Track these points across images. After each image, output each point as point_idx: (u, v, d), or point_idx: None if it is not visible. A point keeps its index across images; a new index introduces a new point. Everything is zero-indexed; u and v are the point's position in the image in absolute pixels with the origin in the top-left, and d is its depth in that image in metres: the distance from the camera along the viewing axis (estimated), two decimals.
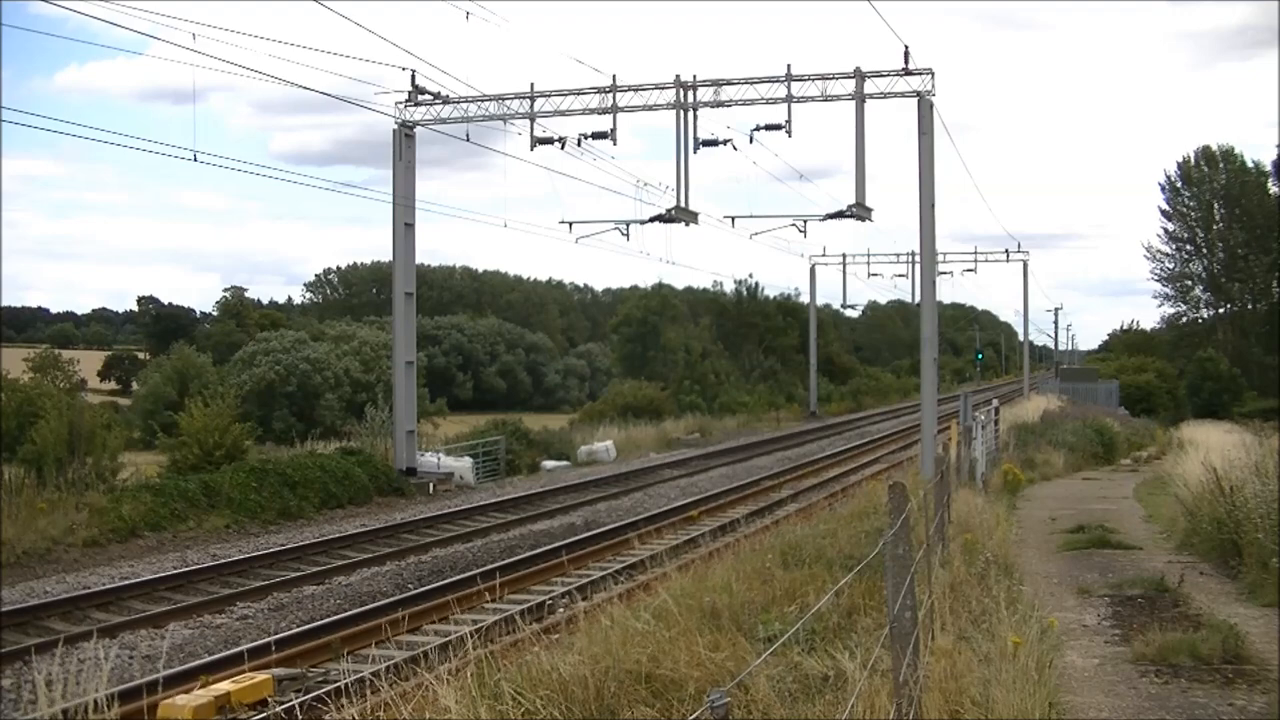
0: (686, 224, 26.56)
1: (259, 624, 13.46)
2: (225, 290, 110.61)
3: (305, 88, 67.33)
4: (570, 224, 28.80)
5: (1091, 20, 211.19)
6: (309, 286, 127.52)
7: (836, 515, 15.39)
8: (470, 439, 33.14)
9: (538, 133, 25.99)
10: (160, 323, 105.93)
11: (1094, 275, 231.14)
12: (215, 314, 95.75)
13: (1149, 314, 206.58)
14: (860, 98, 24.81)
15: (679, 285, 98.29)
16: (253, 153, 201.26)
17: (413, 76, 26.39)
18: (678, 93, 25.49)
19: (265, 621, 13.60)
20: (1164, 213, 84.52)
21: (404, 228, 27.48)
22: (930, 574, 8.77)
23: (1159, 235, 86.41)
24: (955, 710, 6.53)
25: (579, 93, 25.89)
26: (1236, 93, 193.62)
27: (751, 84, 25.37)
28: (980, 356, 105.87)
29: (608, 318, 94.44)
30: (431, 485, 26.44)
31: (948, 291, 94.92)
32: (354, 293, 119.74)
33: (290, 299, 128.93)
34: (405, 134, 27.13)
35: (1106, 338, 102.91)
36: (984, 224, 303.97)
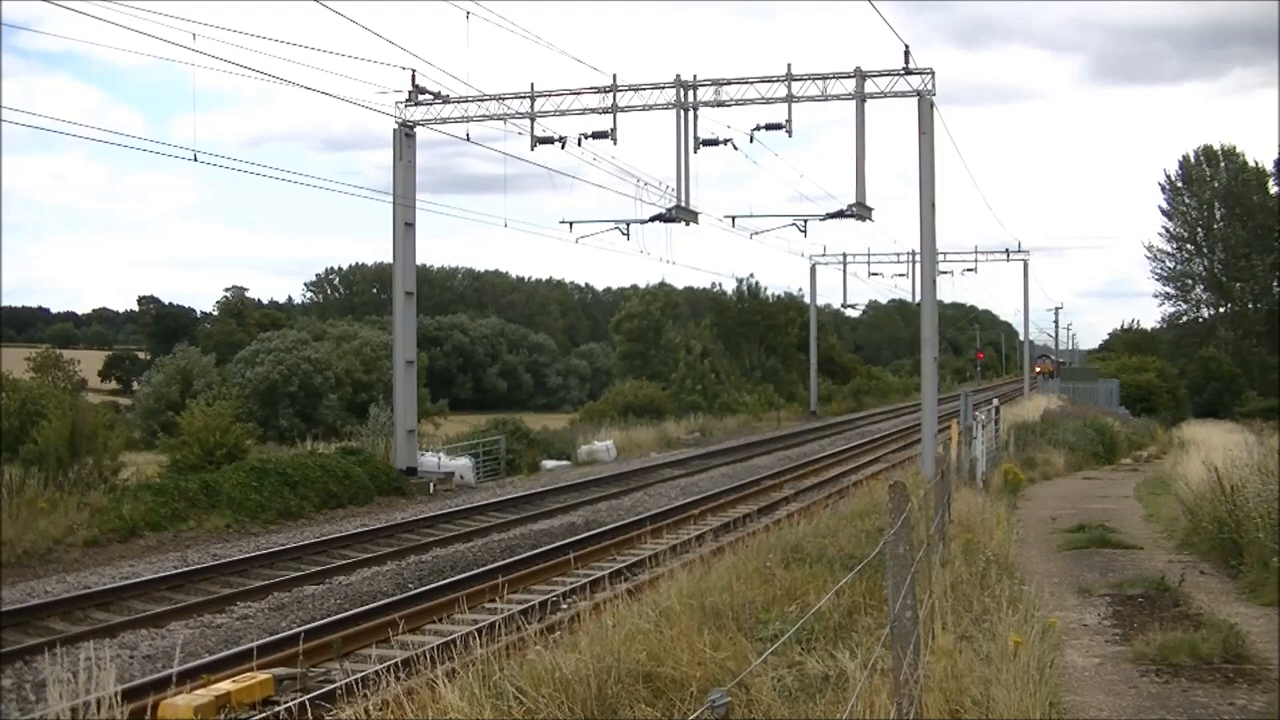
0: (687, 223, 26.56)
1: (259, 623, 13.47)
2: (225, 290, 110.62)
3: (305, 87, 67.21)
4: (570, 224, 28.88)
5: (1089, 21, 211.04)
6: (310, 286, 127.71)
7: (837, 514, 15.37)
8: (471, 439, 33.15)
9: (538, 132, 26.00)
10: (160, 322, 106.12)
11: (1095, 275, 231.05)
12: (215, 313, 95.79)
13: (1150, 313, 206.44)
14: (860, 97, 24.80)
15: (679, 285, 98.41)
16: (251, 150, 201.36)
17: (413, 76, 26.42)
18: (678, 92, 25.48)
19: (266, 621, 13.60)
20: (1164, 212, 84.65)
21: (404, 227, 27.49)
22: (931, 573, 8.77)
23: (1160, 234, 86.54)
24: (956, 710, 6.53)
25: (579, 92, 25.89)
26: (1238, 93, 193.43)
27: (751, 84, 25.36)
28: (980, 366, 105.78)
29: (608, 317, 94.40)
30: (432, 485, 26.44)
31: (948, 291, 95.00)
32: (355, 292, 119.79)
33: (290, 298, 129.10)
34: (405, 134, 27.14)
35: (1107, 337, 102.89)
36: (985, 225, 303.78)
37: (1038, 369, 75.46)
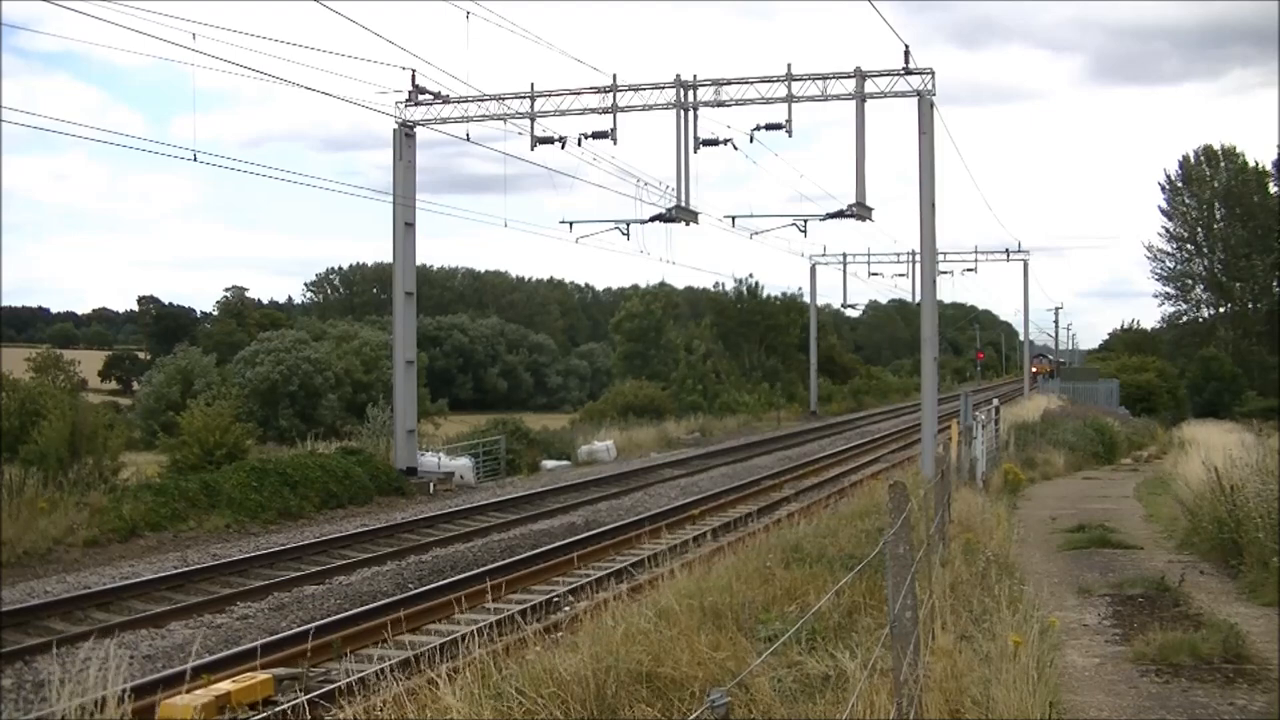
0: (687, 223, 26.55)
1: (260, 623, 13.47)
2: (226, 290, 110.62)
3: (305, 87, 67.30)
4: (570, 224, 28.89)
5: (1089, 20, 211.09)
6: (310, 286, 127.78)
7: (837, 514, 15.38)
8: (471, 439, 33.15)
9: (538, 132, 26.00)
10: (160, 322, 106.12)
11: (1095, 275, 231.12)
12: (215, 313, 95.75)
13: (1150, 313, 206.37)
14: (860, 97, 24.80)
15: (680, 285, 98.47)
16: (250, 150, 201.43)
17: (413, 76, 26.42)
18: (678, 92, 25.48)
19: (266, 621, 13.60)
20: (1164, 212, 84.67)
21: (404, 227, 27.48)
22: (931, 573, 8.77)
23: (1160, 234, 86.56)
24: (956, 710, 6.53)
25: (579, 92, 25.89)
26: (1238, 93, 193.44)
27: (751, 84, 25.36)
28: (980, 366, 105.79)
29: (608, 317, 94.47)
30: (432, 485, 26.44)
31: (948, 291, 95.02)
32: (355, 292, 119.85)
33: (290, 298, 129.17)
34: (405, 134, 27.14)
35: (1107, 337, 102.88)
36: (985, 225, 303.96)
37: (1035, 369, 75.38)
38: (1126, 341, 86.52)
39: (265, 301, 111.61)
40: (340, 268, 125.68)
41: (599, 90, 25.72)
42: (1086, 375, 66.99)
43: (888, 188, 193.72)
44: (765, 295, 69.79)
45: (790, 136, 25.34)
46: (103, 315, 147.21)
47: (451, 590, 14.27)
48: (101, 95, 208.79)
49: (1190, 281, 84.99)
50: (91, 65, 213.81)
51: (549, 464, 32.61)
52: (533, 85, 26.11)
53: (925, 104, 24.70)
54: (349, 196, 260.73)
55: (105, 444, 22.43)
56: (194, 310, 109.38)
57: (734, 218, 30.59)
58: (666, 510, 22.00)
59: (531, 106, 26.11)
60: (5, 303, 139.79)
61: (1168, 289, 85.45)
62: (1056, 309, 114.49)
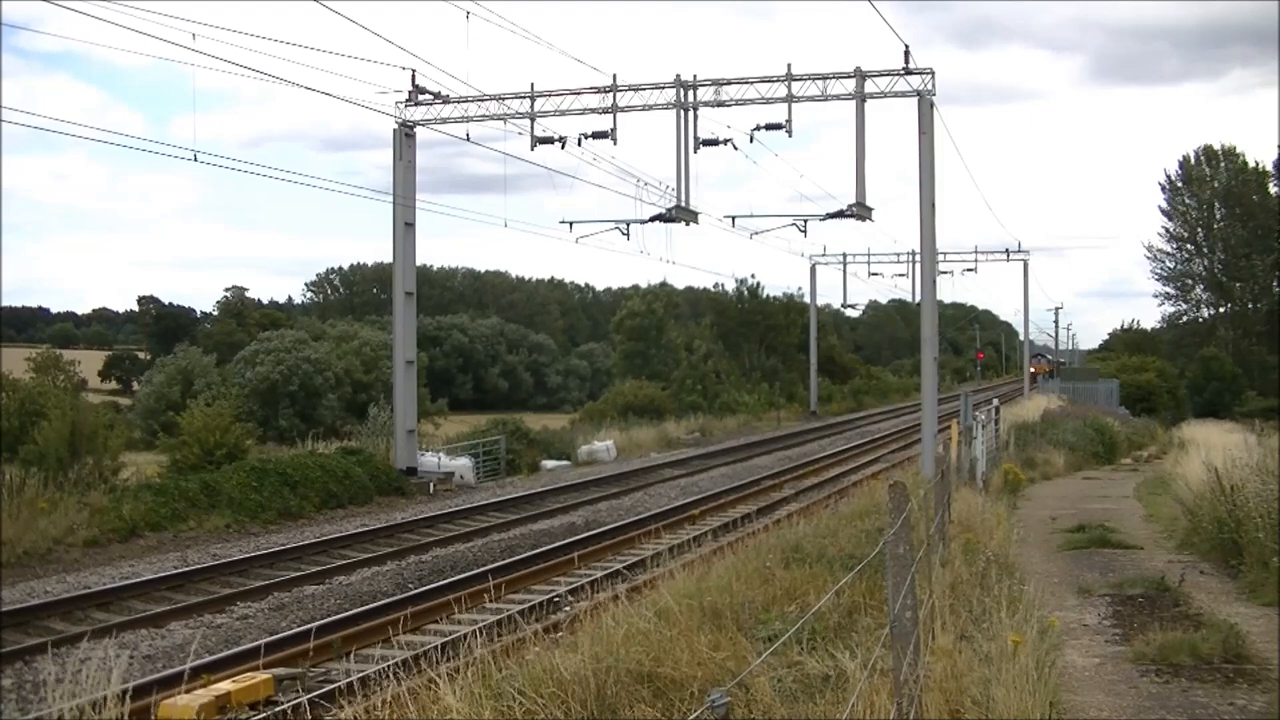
0: (687, 223, 26.56)
1: (260, 623, 13.47)
2: (226, 290, 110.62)
3: (305, 87, 67.41)
4: (570, 224, 28.90)
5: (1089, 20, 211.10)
6: (310, 286, 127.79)
7: (837, 514, 15.37)
8: (471, 439, 33.15)
9: (538, 132, 26.00)
10: (160, 322, 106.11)
11: (1095, 275, 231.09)
12: (215, 314, 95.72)
13: (1150, 313, 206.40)
14: (860, 97, 24.80)
15: (680, 285, 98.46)
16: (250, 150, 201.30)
17: (413, 76, 26.43)
18: (678, 92, 25.48)
19: (266, 621, 13.60)
20: (1164, 212, 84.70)
21: (404, 227, 27.49)
22: (931, 573, 8.77)
23: (1160, 234, 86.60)
24: (956, 710, 6.53)
25: (579, 92, 25.89)
26: (1238, 93, 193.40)
27: (751, 84, 25.37)
28: (980, 366, 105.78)
29: (608, 317, 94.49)
30: (432, 485, 26.44)
31: (948, 291, 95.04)
32: (355, 292, 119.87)
33: (290, 298, 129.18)
34: (405, 134, 27.14)
35: (1107, 337, 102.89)
36: (985, 225, 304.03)
37: (1034, 369, 75.39)
38: (1126, 341, 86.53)
39: (265, 301, 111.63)
40: (340, 268, 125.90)
41: (599, 90, 25.71)
42: (1086, 375, 66.99)
43: (888, 188, 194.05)
44: (765, 295, 69.81)
45: (790, 136, 25.38)
46: (103, 315, 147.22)
47: (452, 590, 14.26)
48: (101, 95, 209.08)
49: (1190, 281, 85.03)
50: (91, 65, 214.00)
51: (549, 464, 32.61)
52: (533, 85, 26.14)
53: (925, 104, 24.71)
54: (349, 196, 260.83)
55: (105, 444, 22.42)
56: (194, 310, 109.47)
57: (734, 218, 30.64)
58: (666, 510, 22.00)
59: (531, 106, 26.11)
60: (5, 303, 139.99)
61: (1168, 289, 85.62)
62: (1056, 309, 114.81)
